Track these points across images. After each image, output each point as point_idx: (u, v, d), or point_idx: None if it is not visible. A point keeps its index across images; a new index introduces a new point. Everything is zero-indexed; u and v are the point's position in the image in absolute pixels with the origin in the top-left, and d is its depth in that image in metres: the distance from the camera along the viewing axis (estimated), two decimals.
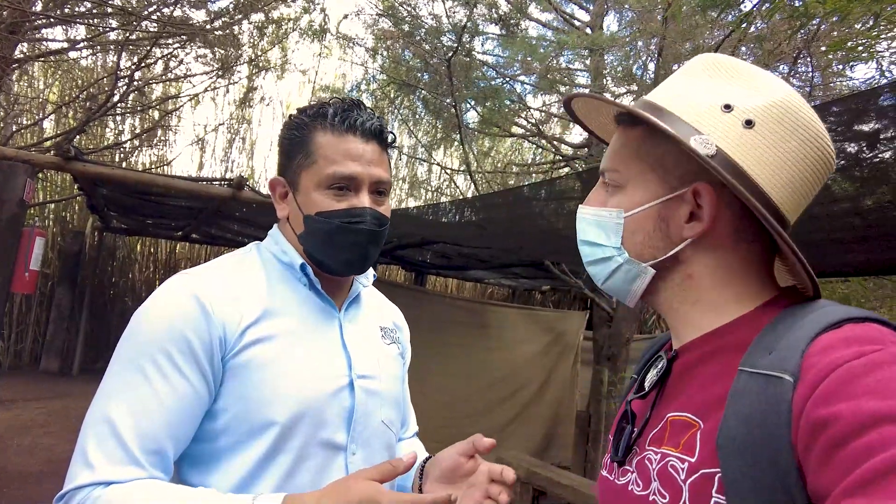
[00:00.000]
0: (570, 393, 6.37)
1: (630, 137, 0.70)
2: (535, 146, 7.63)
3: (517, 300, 9.96)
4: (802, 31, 3.49)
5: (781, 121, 0.63)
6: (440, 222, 4.16)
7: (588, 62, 5.53)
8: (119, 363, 0.84)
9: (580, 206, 0.75)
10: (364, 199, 0.95)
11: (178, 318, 0.84)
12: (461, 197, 6.79)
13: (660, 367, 0.72)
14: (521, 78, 5.80)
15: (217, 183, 4.84)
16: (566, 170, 5.86)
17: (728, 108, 0.64)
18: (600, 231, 0.71)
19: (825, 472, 0.48)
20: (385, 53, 6.05)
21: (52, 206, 8.48)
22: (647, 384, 0.73)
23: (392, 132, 1.02)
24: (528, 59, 5.13)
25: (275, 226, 1.04)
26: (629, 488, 0.67)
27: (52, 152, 4.43)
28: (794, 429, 0.51)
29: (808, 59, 3.88)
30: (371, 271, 1.09)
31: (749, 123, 0.63)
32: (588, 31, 5.40)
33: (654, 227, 0.67)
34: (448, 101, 5.15)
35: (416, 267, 8.33)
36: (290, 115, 1.01)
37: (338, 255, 0.95)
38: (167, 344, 0.83)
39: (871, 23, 2.21)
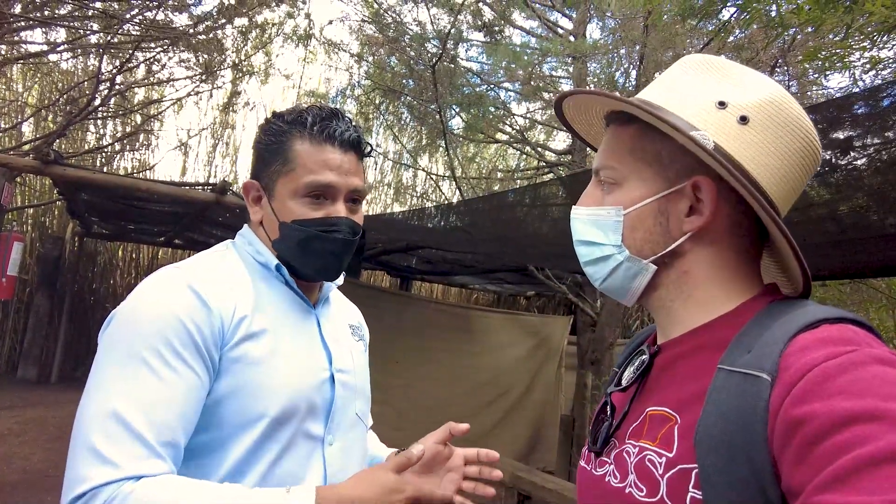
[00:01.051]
0: (555, 397, 6.39)
1: (624, 135, 0.71)
2: (519, 152, 7.68)
3: (502, 305, 9.99)
4: (779, 41, 3.57)
5: (774, 117, 0.64)
6: (425, 227, 4.17)
7: (571, 69, 5.59)
8: (115, 357, 0.81)
9: (574, 206, 0.75)
10: (340, 209, 0.96)
11: (177, 309, 0.83)
12: (446, 202, 6.81)
13: (639, 361, 0.73)
14: (506, 85, 5.85)
15: (200, 188, 4.81)
16: (550, 176, 5.92)
17: (722, 104, 0.65)
18: (598, 230, 0.71)
19: (799, 469, 0.49)
20: (370, 59, 6.06)
21: (31, 210, 8.34)
22: (625, 379, 0.74)
23: (369, 143, 1.03)
24: (512, 66, 5.17)
25: (245, 225, 1.05)
26: (606, 479, 0.68)
27: (30, 156, 4.37)
28: (770, 427, 0.52)
29: (785, 69, 3.96)
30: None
31: (744, 120, 0.64)
32: (571, 38, 5.46)
33: (655, 223, 0.68)
34: (433, 107, 5.18)
35: (401, 272, 8.33)
36: (268, 120, 1.02)
37: (312, 262, 0.97)
38: (169, 334, 0.82)
39: (843, 33, 2.27)
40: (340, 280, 1.11)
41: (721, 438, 0.55)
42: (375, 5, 5.52)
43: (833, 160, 2.23)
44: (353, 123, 1.01)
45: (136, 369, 0.79)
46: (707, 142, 0.63)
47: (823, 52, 2.57)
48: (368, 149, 1.03)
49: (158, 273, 0.90)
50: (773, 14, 2.38)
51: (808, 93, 4.84)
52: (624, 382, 0.74)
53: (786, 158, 0.65)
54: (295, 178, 0.94)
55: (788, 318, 0.59)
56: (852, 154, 2.18)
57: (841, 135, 2.09)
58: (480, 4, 5.43)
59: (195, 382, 0.83)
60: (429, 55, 5.10)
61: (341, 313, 1.14)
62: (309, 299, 1.03)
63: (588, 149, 0.91)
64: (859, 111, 1.98)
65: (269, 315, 0.94)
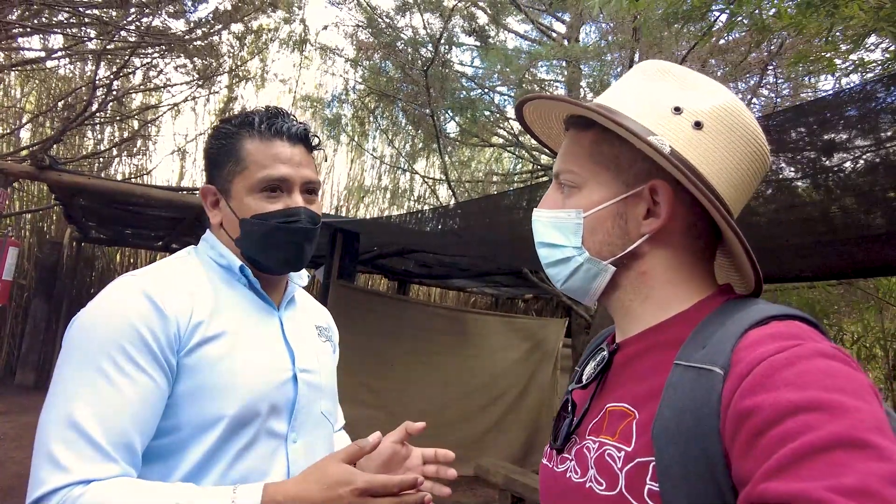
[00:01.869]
0: (550, 400, 6.39)
1: (583, 139, 0.72)
2: (514, 156, 7.70)
3: (500, 308, 9.98)
4: (768, 45, 3.59)
5: (727, 123, 0.67)
6: (420, 231, 4.19)
7: (565, 73, 5.62)
8: (72, 366, 0.85)
9: (535, 209, 0.77)
10: (297, 199, 0.99)
11: (131, 315, 0.86)
12: (441, 206, 6.83)
13: (599, 359, 0.75)
14: (500, 89, 5.88)
15: (196, 192, 4.83)
16: (545, 179, 5.93)
17: (678, 110, 0.67)
18: (558, 232, 0.72)
19: (747, 459, 0.51)
20: (365, 64, 6.09)
21: (29, 216, 8.36)
22: (585, 376, 0.76)
23: (317, 135, 1.07)
24: (506, 70, 5.20)
25: (207, 230, 1.08)
26: (567, 475, 0.70)
27: (27, 162, 4.40)
28: (722, 419, 0.54)
29: (774, 71, 3.99)
30: (305, 272, 1.14)
31: (698, 125, 0.66)
32: (565, 42, 5.49)
33: (613, 225, 0.69)
34: (427, 111, 5.20)
35: (398, 276, 8.34)
36: (215, 126, 1.06)
37: (275, 254, 0.99)
38: (122, 341, 0.84)
39: (827, 37, 2.30)
40: (305, 280, 1.13)
41: (677, 431, 0.57)
42: (369, 10, 5.56)
43: (819, 160, 2.25)
44: (301, 122, 1.05)
45: (93, 376, 0.83)
46: (664, 146, 0.65)
47: (811, 57, 2.60)
48: (316, 141, 1.07)
49: (116, 281, 0.92)
50: (759, 16, 2.41)
51: (801, 94, 4.87)
52: (584, 380, 0.75)
53: (738, 163, 0.67)
54: (249, 175, 0.98)
55: (740, 315, 0.62)
56: (842, 155, 2.21)
57: (829, 136, 2.11)
58: (473, 9, 5.46)
59: (150, 387, 0.85)
60: (422, 59, 5.13)
61: (307, 314, 1.15)
62: (273, 300, 1.05)
63: (548, 150, 0.93)
64: (849, 113, 2.00)
65: (229, 317, 0.95)
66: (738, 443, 0.52)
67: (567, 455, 0.72)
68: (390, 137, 7.31)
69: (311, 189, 1.03)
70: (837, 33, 2.38)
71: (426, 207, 8.36)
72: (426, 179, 7.80)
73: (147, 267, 0.97)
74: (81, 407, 0.81)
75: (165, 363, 0.87)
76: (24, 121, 7.56)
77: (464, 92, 5.54)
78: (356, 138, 7.78)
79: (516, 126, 6.37)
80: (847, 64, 2.57)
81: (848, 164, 2.26)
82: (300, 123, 1.03)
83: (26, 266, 8.09)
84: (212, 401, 0.89)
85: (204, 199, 1.05)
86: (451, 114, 5.58)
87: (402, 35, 5.40)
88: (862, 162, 2.19)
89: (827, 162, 2.26)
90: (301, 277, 1.12)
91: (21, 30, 5.24)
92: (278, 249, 0.99)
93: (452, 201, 5.80)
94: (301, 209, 0.99)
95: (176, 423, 0.88)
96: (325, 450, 1.04)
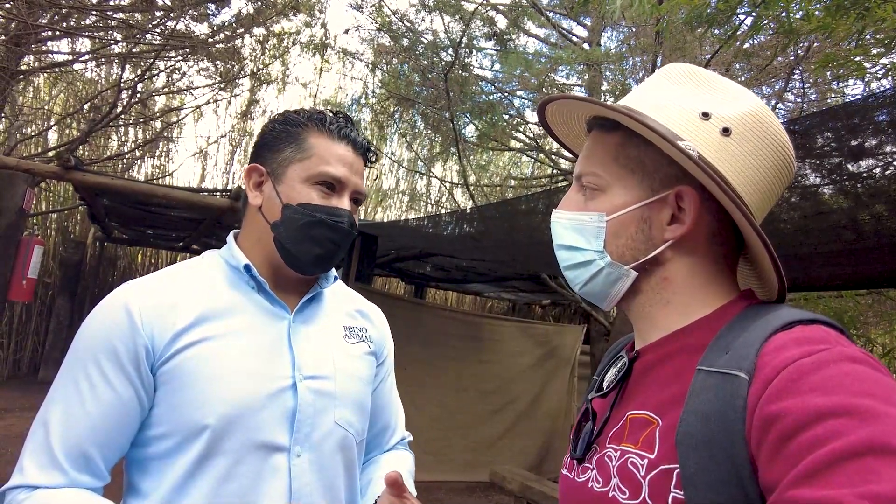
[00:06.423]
0: (567, 407, 6.33)
1: (608, 142, 0.71)
2: (533, 160, 7.67)
3: (517, 314, 9.93)
4: (795, 49, 3.52)
5: (755, 129, 0.65)
6: (437, 234, 4.18)
7: (585, 77, 5.58)
8: (60, 372, 0.90)
9: (554, 210, 0.75)
10: (346, 202, 1.00)
11: (106, 329, 0.89)
12: (459, 210, 6.82)
13: (619, 366, 0.73)
14: (519, 93, 5.86)
15: (218, 194, 4.88)
16: (564, 183, 5.89)
17: (706, 115, 0.66)
18: (579, 235, 0.71)
19: (774, 464, 0.50)
20: (384, 68, 6.12)
21: (54, 215, 8.54)
22: (605, 384, 0.74)
23: (376, 153, 1.09)
24: (525, 74, 5.18)
25: (230, 234, 1.06)
26: (589, 485, 0.68)
27: (54, 162, 4.48)
28: (747, 424, 0.53)
29: (800, 76, 3.91)
30: (333, 272, 1.10)
31: (726, 131, 0.65)
32: (586, 46, 5.46)
33: (637, 230, 0.68)
34: (446, 115, 5.20)
35: (415, 280, 8.35)
36: (283, 112, 1.06)
37: (310, 248, 0.97)
38: (97, 353, 0.88)
39: (856, 40, 2.24)
40: (331, 280, 1.10)
41: (701, 438, 0.55)
42: (388, 11, 5.59)
43: (846, 165, 2.19)
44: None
45: (66, 384, 0.88)
46: (692, 152, 0.63)
47: (838, 61, 2.53)
48: (374, 158, 1.09)
49: (113, 291, 0.93)
50: (785, 18, 2.36)
51: (829, 99, 4.77)
52: (604, 388, 0.74)
53: (765, 171, 0.66)
54: (310, 165, 0.98)
55: (765, 320, 0.60)
56: (871, 161, 2.15)
57: (858, 141, 2.06)
58: (493, 13, 5.46)
59: (113, 399, 0.87)
60: (441, 63, 5.13)
61: (336, 314, 1.09)
62: (288, 302, 1.01)
63: (569, 152, 0.92)
64: (879, 118, 1.94)
65: (224, 322, 0.93)
66: (765, 448, 0.51)
67: (588, 464, 0.70)
68: (409, 141, 7.34)
69: (357, 199, 1.04)
70: (868, 36, 2.32)
71: (444, 211, 8.37)
72: (444, 183, 7.80)
73: (150, 274, 0.98)
74: (54, 412, 0.86)
75: (137, 377, 0.88)
76: (51, 122, 7.73)
77: (483, 96, 5.53)
78: (375, 142, 7.83)
79: (535, 130, 6.35)
80: (877, 68, 2.51)
81: (878, 170, 2.20)
82: (364, 138, 1.06)
83: (51, 265, 8.26)
84: (193, 409, 0.87)
85: (247, 178, 1.03)
86: (469, 117, 5.58)
87: (421, 39, 5.41)
88: (893, 168, 2.14)
89: (855, 168, 2.21)
90: (327, 278, 1.08)
91: (50, 33, 5.36)
92: (314, 243, 0.97)
93: (470, 205, 5.78)
94: (346, 212, 0.99)
95: (162, 433, 0.89)
96: (343, 462, 1.00)
